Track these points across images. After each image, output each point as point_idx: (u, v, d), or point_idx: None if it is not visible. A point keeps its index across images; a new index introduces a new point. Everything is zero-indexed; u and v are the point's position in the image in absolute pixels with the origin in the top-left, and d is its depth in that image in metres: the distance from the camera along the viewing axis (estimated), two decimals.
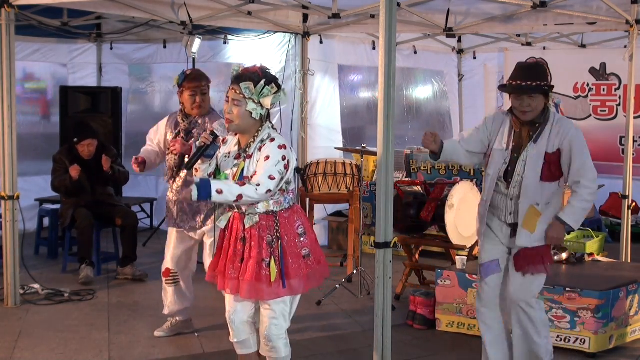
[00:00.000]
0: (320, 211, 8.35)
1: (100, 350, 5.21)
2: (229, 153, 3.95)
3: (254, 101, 3.80)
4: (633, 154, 6.95)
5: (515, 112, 4.31)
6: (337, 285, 6.42)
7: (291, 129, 8.31)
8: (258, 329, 4.08)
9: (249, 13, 7.49)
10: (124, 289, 6.82)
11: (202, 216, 5.18)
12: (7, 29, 5.92)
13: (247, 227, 3.87)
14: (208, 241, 5.22)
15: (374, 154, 4.78)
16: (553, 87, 4.28)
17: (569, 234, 4.46)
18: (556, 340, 5.17)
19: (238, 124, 3.84)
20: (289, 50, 8.42)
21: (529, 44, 9.51)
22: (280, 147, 3.79)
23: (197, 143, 3.94)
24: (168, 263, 5.35)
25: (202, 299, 5.91)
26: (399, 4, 6.19)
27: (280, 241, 3.85)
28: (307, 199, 7.15)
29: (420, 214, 6.30)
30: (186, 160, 4.93)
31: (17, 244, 6.12)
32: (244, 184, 3.72)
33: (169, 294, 5.40)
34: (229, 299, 4.03)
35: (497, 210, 4.42)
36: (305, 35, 8.36)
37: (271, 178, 3.73)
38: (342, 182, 7.01)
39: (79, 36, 9.47)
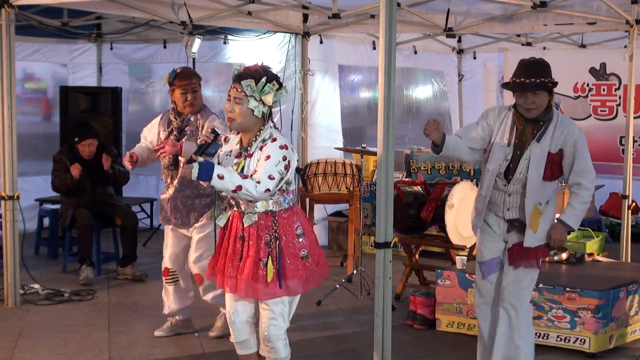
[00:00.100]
0: (320, 211, 8.35)
1: (100, 350, 5.21)
2: (231, 151, 3.96)
3: (255, 99, 3.81)
4: (633, 154, 6.95)
5: (519, 110, 4.29)
6: (337, 285, 6.42)
7: (291, 129, 8.31)
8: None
9: (249, 13, 7.49)
10: (124, 289, 6.82)
11: (196, 214, 5.18)
12: (7, 29, 5.92)
13: (245, 226, 3.87)
14: (196, 237, 5.21)
15: (374, 154, 4.78)
16: (557, 83, 4.26)
17: (568, 234, 4.47)
18: (556, 340, 5.17)
19: (240, 122, 3.85)
20: (289, 50, 8.42)
21: (529, 44, 9.51)
22: (281, 147, 3.79)
23: (198, 141, 3.94)
24: (166, 262, 5.35)
25: (202, 299, 5.90)
26: (399, 4, 6.19)
27: (278, 241, 3.85)
28: (307, 199, 7.15)
29: (420, 214, 6.30)
30: (180, 159, 4.96)
31: (17, 244, 6.12)
32: (246, 177, 3.72)
33: (169, 293, 5.40)
34: (229, 299, 4.03)
35: (493, 206, 4.41)
36: (305, 35, 8.36)
37: (271, 178, 3.73)
38: (342, 182, 7.01)
39: (79, 36, 9.47)
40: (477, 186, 6.42)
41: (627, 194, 6.78)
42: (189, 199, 5.17)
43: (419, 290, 5.90)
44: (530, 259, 4.33)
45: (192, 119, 5.19)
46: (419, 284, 6.52)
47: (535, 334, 5.16)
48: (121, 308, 6.21)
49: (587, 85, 9.68)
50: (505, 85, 4.38)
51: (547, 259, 5.78)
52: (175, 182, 5.20)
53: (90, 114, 8.83)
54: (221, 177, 3.66)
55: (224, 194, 3.92)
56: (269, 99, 3.82)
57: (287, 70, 8.37)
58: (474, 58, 10.69)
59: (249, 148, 3.87)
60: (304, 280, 3.92)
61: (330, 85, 8.88)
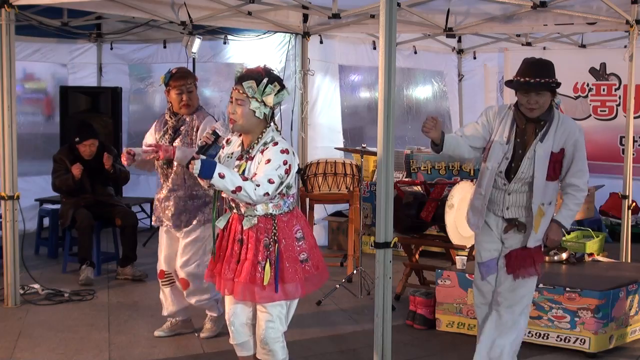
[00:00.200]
0: (320, 211, 8.35)
1: (100, 350, 5.21)
2: (232, 153, 3.96)
3: (257, 100, 3.81)
4: (633, 154, 6.95)
5: (521, 109, 4.27)
6: (337, 285, 6.42)
7: (291, 129, 8.31)
8: None
9: (249, 13, 7.48)
10: (124, 289, 6.82)
11: (187, 216, 5.17)
12: (7, 29, 5.92)
13: (245, 228, 3.87)
14: (183, 241, 5.21)
15: (374, 154, 4.78)
16: (560, 84, 4.26)
17: (563, 235, 4.49)
18: (556, 340, 5.17)
19: (242, 124, 3.85)
20: (289, 50, 8.43)
21: (529, 44, 9.51)
22: (282, 151, 3.79)
23: (199, 142, 3.94)
24: (162, 265, 5.34)
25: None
26: (399, 4, 6.18)
27: (277, 245, 3.85)
28: (307, 199, 7.16)
29: (420, 214, 6.30)
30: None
31: (17, 244, 6.12)
32: (247, 179, 3.72)
33: (166, 295, 5.40)
34: (228, 301, 4.03)
35: (492, 205, 4.40)
36: (305, 35, 8.36)
37: (270, 182, 3.72)
38: (342, 182, 7.01)
39: (79, 36, 9.46)
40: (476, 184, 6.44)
41: (627, 194, 6.79)
42: (182, 199, 5.16)
43: (419, 290, 5.90)
44: (528, 266, 4.33)
45: (187, 119, 5.19)
46: (419, 284, 6.51)
47: (536, 334, 5.18)
48: (121, 308, 6.21)
49: (587, 85, 9.68)
50: (508, 84, 4.32)
51: (547, 259, 5.78)
52: (169, 182, 5.20)
53: (90, 114, 8.83)
54: (222, 176, 3.66)
55: (224, 195, 3.92)
56: (270, 100, 3.82)
57: (287, 70, 8.37)
58: (474, 58, 10.68)
59: (250, 151, 3.87)
60: (303, 283, 3.91)
61: (331, 85, 8.88)
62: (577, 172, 4.26)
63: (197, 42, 7.96)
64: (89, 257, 6.97)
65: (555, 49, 9.69)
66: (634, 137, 7.37)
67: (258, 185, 3.70)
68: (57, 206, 7.71)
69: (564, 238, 6.68)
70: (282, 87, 3.88)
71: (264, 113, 3.84)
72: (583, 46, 9.58)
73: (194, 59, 8.14)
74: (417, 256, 6.60)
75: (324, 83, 8.76)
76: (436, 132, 4.14)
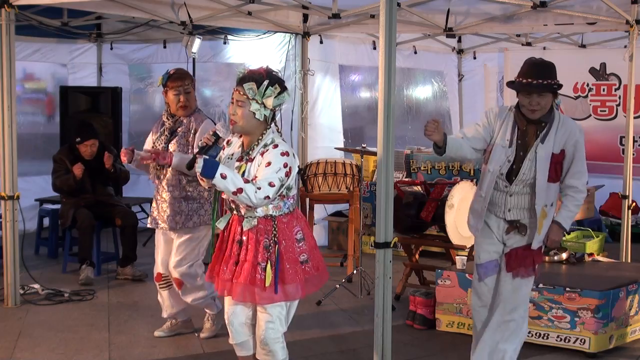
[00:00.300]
0: (320, 211, 8.35)
1: (100, 350, 5.21)
2: (232, 155, 3.96)
3: (257, 102, 3.81)
4: (633, 154, 6.95)
5: (522, 110, 4.25)
6: (337, 285, 6.42)
7: (291, 129, 8.31)
8: None
9: (249, 13, 7.48)
10: (124, 289, 6.82)
11: (182, 217, 5.15)
12: (7, 29, 5.92)
13: (245, 229, 3.87)
14: (177, 240, 5.20)
15: (374, 154, 4.77)
16: (562, 85, 4.25)
17: (563, 235, 4.49)
18: (556, 340, 5.17)
19: (242, 125, 3.85)
20: (289, 50, 8.43)
21: (529, 44, 9.51)
22: (282, 154, 3.79)
23: (200, 143, 3.94)
24: (158, 267, 5.32)
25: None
26: (399, 4, 6.18)
27: (277, 246, 3.85)
28: (307, 199, 7.16)
29: (420, 214, 6.30)
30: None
31: (17, 244, 6.12)
32: (248, 181, 3.72)
33: (164, 298, 5.39)
34: (228, 301, 4.02)
35: (494, 207, 4.40)
36: (305, 35, 8.36)
37: (271, 185, 3.72)
38: (342, 182, 7.01)
39: (79, 36, 9.47)
40: (477, 186, 6.44)
41: (627, 194, 6.79)
42: (177, 200, 5.15)
43: (419, 290, 5.90)
44: (528, 266, 4.33)
45: (184, 121, 5.18)
46: (419, 284, 6.51)
47: (536, 334, 5.18)
48: (121, 308, 6.21)
49: (587, 85, 9.68)
50: (510, 85, 4.30)
51: (547, 259, 5.78)
52: (164, 182, 5.19)
53: (91, 114, 8.83)
54: (224, 177, 3.66)
55: (223, 196, 3.92)
56: (270, 102, 3.82)
57: (287, 70, 8.37)
58: (474, 58, 10.69)
59: (250, 152, 3.87)
60: (303, 284, 3.91)
61: (331, 85, 8.88)
62: (576, 173, 4.26)
63: (197, 42, 7.96)
64: (89, 257, 6.97)
65: (555, 49, 9.69)
66: (634, 137, 7.38)
67: (259, 189, 3.70)
68: (57, 206, 7.71)
69: (564, 238, 6.68)
70: (283, 89, 3.87)
71: (264, 115, 3.84)
72: (583, 46, 9.59)
73: (194, 59, 8.14)
74: (417, 256, 6.60)
75: (324, 83, 8.76)
76: (438, 134, 4.13)
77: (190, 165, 3.76)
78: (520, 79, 4.19)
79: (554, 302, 5.17)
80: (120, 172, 7.10)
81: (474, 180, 7.02)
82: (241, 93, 3.82)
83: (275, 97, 3.83)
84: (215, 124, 5.08)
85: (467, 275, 5.48)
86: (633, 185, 6.94)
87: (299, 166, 4.03)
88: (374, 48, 9.26)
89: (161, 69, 9.78)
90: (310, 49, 8.42)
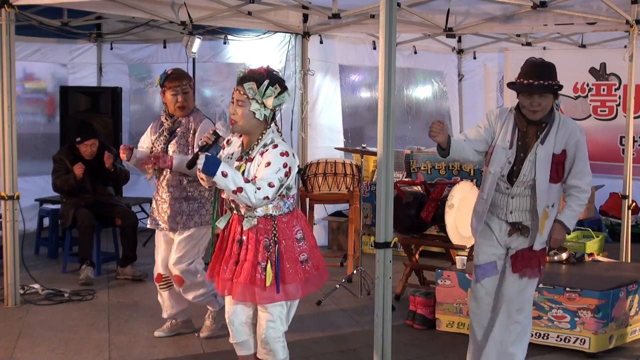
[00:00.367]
0: (320, 211, 8.35)
1: (100, 350, 5.21)
2: (232, 154, 3.96)
3: (257, 101, 3.81)
4: (633, 154, 6.95)
5: (523, 111, 4.24)
6: (337, 285, 6.42)
7: (291, 129, 8.31)
8: None
9: (249, 13, 7.48)
10: (124, 289, 6.82)
11: (183, 218, 5.15)
12: (7, 29, 5.92)
13: (245, 229, 3.87)
14: (178, 237, 5.19)
15: (374, 154, 4.77)
16: (562, 86, 4.24)
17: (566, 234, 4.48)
18: (556, 340, 5.17)
19: (242, 125, 3.85)
20: (289, 50, 8.43)
21: (529, 44, 9.51)
22: (282, 154, 3.79)
23: (200, 142, 3.94)
24: (158, 268, 5.31)
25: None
26: (399, 4, 6.18)
27: (277, 245, 3.85)
28: (307, 199, 7.16)
29: (420, 214, 6.30)
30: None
31: (17, 244, 6.12)
32: (248, 181, 3.73)
33: (164, 298, 5.39)
34: (228, 300, 4.03)
35: (496, 209, 4.39)
36: (305, 35, 8.36)
37: (270, 185, 3.73)
38: (342, 182, 7.01)
39: (79, 36, 9.47)
40: (477, 186, 6.44)
41: (627, 194, 6.79)
42: (177, 201, 5.15)
43: (419, 290, 5.90)
44: (533, 266, 4.33)
45: (183, 121, 5.18)
46: (419, 284, 6.51)
47: (535, 334, 5.18)
48: (121, 308, 6.21)
49: (587, 85, 9.68)
50: (511, 86, 4.28)
51: (547, 259, 5.78)
52: (164, 183, 5.19)
53: (91, 114, 8.83)
54: (225, 175, 3.66)
55: (223, 195, 3.92)
56: (270, 102, 3.82)
57: (287, 70, 8.37)
58: (474, 58, 10.69)
59: (250, 152, 3.87)
60: (303, 284, 3.92)
61: (331, 85, 8.88)
62: (578, 173, 4.25)
63: (197, 42, 7.96)
64: (89, 257, 6.97)
65: (555, 49, 9.69)
66: (634, 137, 7.38)
67: (259, 189, 3.70)
68: (57, 206, 7.71)
69: None
70: (284, 89, 3.87)
71: (264, 115, 3.84)
72: (583, 46, 9.59)
73: (194, 59, 8.14)
74: (417, 256, 6.60)
75: (324, 83, 8.76)
76: (443, 136, 4.11)
77: (191, 163, 3.77)
78: (521, 79, 4.18)
79: (554, 302, 5.17)
80: (120, 171, 7.11)
81: (474, 181, 7.03)
82: (241, 92, 3.82)
83: (275, 97, 3.83)
84: (214, 124, 5.09)
85: (467, 275, 5.47)
86: (633, 185, 6.94)
87: (299, 166, 4.04)
88: (374, 48, 9.26)
89: (161, 69, 9.71)
90: (310, 49, 8.42)
